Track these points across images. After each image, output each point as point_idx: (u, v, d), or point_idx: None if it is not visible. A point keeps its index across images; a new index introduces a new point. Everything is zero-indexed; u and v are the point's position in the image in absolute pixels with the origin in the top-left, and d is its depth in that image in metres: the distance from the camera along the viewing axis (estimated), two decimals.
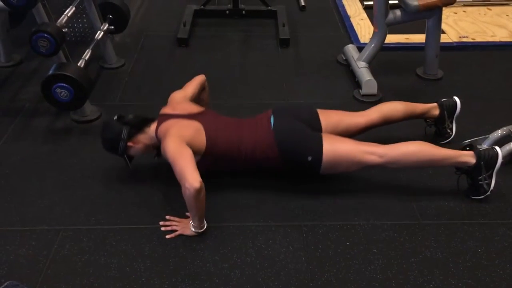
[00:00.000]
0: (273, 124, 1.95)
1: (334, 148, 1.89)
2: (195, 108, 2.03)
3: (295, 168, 1.97)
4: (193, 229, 1.80)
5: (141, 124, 1.98)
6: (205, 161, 1.89)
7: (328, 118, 2.03)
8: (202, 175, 1.71)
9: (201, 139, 1.89)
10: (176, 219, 1.88)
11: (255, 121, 2.01)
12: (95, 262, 1.72)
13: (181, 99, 2.08)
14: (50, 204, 1.97)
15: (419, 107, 2.21)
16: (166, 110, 2.03)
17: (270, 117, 1.98)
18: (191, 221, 1.80)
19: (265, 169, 2.01)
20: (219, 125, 1.97)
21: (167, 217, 1.89)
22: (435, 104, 2.23)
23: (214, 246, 1.78)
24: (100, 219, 1.90)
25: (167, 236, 1.82)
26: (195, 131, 1.89)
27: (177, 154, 1.77)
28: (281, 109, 2.06)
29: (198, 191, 1.66)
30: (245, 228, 1.86)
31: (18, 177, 2.12)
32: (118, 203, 1.98)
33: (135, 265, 1.71)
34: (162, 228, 1.85)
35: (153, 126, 1.97)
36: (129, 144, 1.95)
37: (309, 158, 1.89)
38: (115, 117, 1.99)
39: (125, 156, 1.98)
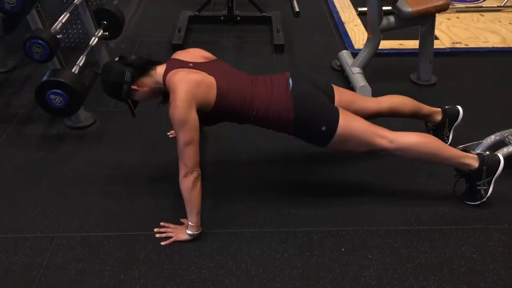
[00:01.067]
0: (292, 87, 1.86)
1: (349, 123, 1.84)
2: (208, 56, 1.95)
3: (305, 134, 1.90)
4: (189, 231, 1.79)
5: (146, 66, 1.84)
6: (213, 112, 1.82)
7: (342, 95, 2.00)
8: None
9: (212, 94, 1.78)
10: (171, 225, 1.87)
11: (270, 79, 1.91)
12: (89, 270, 1.71)
13: (196, 50, 1.98)
14: (44, 211, 1.96)
15: (425, 108, 2.21)
16: (178, 55, 1.92)
17: (289, 78, 1.90)
18: (188, 221, 1.80)
19: (273, 129, 1.92)
20: (232, 78, 1.86)
21: (162, 223, 1.88)
22: (439, 109, 2.23)
23: (209, 252, 1.78)
24: (94, 226, 1.89)
25: (162, 243, 1.81)
26: (206, 87, 1.77)
27: (183, 132, 1.69)
28: (300, 74, 1.99)
29: (195, 179, 1.70)
30: (240, 234, 1.86)
31: (12, 184, 2.11)
32: (112, 210, 1.97)
33: (129, 273, 1.70)
34: (157, 235, 1.84)
35: (160, 69, 1.84)
36: (133, 87, 1.82)
37: (323, 128, 1.83)
38: (117, 58, 1.86)
39: (128, 101, 1.86)
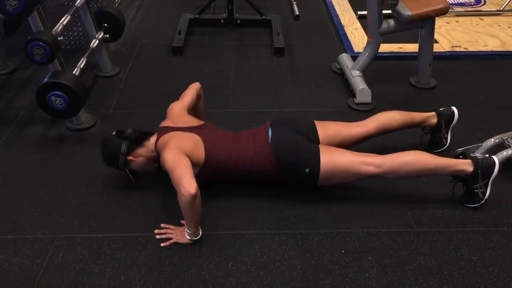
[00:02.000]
0: (271, 137, 1.96)
1: (332, 159, 1.90)
2: (194, 122, 2.05)
3: (292, 179, 1.98)
4: (188, 237, 1.80)
5: (140, 138, 1.99)
6: (203, 172, 1.90)
7: (326, 129, 2.05)
8: (199, 184, 1.71)
9: (200, 152, 1.90)
10: (171, 227, 1.87)
11: (252, 133, 2.02)
12: (90, 271, 1.71)
13: (180, 111, 2.08)
14: (44, 212, 1.96)
15: (417, 116, 2.22)
16: (166, 123, 2.04)
17: (268, 129, 2.00)
18: (186, 229, 1.80)
19: (262, 181, 2.01)
20: (218, 138, 1.98)
21: (162, 225, 1.89)
22: (433, 113, 2.24)
23: (209, 254, 1.78)
24: (94, 228, 1.89)
25: (162, 244, 1.81)
26: (194, 143, 1.90)
27: (175, 162, 1.77)
28: (279, 121, 2.07)
29: (194, 197, 1.67)
30: (240, 236, 1.86)
31: (12, 185, 2.11)
32: (112, 211, 1.97)
33: (129, 274, 1.70)
34: (157, 236, 1.84)
35: (153, 139, 1.98)
36: (129, 158, 1.96)
37: (307, 170, 1.90)
38: (114, 133, 2.00)
39: (126, 170, 1.99)
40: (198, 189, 1.69)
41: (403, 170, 1.93)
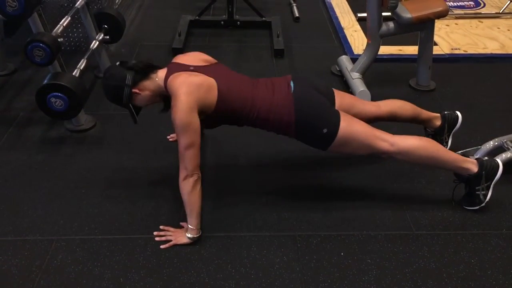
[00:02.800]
0: (294, 89, 1.87)
1: (350, 126, 1.86)
2: (208, 60, 1.95)
3: (306, 136, 1.90)
4: (188, 235, 1.80)
5: (146, 70, 1.85)
6: (214, 115, 1.82)
7: (343, 99, 2.01)
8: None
9: (213, 96, 1.78)
10: (171, 229, 1.87)
11: (271, 82, 1.92)
12: (89, 273, 1.71)
13: (199, 55, 1.98)
14: (44, 214, 1.96)
15: (424, 113, 2.22)
16: (179, 59, 1.92)
17: (290, 82, 1.90)
18: (187, 224, 1.80)
19: (274, 131, 1.93)
20: (233, 80, 1.87)
21: (161, 227, 1.89)
22: (438, 115, 2.24)
23: (208, 256, 1.78)
24: (93, 229, 1.89)
25: (162, 246, 1.81)
26: (207, 89, 1.77)
27: (185, 135, 1.70)
28: (301, 78, 1.99)
29: (195, 182, 1.71)
30: (239, 238, 1.86)
31: (12, 186, 2.11)
32: (112, 213, 1.97)
33: (129, 276, 1.70)
34: (157, 238, 1.84)
35: (161, 73, 1.85)
36: (134, 90, 1.81)
37: (325, 130, 1.83)
38: (118, 63, 1.86)
39: (130, 106, 1.85)
40: (200, 176, 1.73)
41: (414, 153, 1.89)
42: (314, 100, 1.87)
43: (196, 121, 1.73)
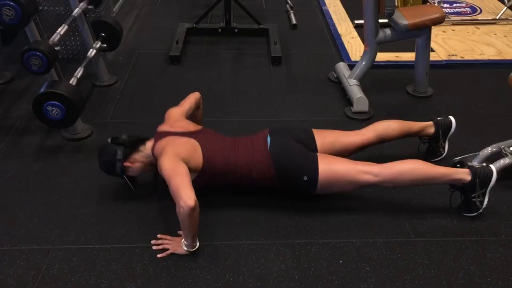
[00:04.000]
0: (270, 144, 1.96)
1: (330, 167, 1.90)
2: (192, 126, 2.04)
3: (291, 187, 1.98)
4: (185, 248, 1.79)
5: (135, 143, 1.98)
6: (201, 178, 1.90)
7: (324, 138, 2.05)
8: (196, 192, 1.70)
9: (198, 157, 1.89)
10: (168, 237, 1.86)
11: (251, 140, 2.01)
12: (85, 282, 1.69)
13: (178, 116, 2.08)
14: (40, 223, 1.95)
15: (415, 126, 2.22)
16: (163, 127, 2.03)
17: (267, 136, 1.99)
18: (183, 240, 1.79)
19: (261, 188, 2.01)
20: (216, 143, 1.98)
21: (159, 235, 1.88)
22: (430, 123, 2.24)
23: (206, 265, 1.77)
24: (90, 238, 1.88)
25: (159, 255, 1.80)
26: (192, 148, 1.90)
27: (172, 171, 1.76)
28: (277, 129, 2.07)
29: (192, 209, 1.65)
30: (237, 246, 1.85)
31: (8, 195, 2.09)
32: (108, 222, 1.96)
33: (126, 285, 1.69)
34: (154, 247, 1.83)
35: (149, 144, 1.98)
36: (126, 164, 1.95)
37: (305, 178, 1.89)
38: (109, 140, 1.99)
39: (124, 177, 1.99)
40: (197, 201, 1.67)
41: (401, 179, 1.93)
42: (290, 151, 1.95)
43: (183, 166, 1.79)
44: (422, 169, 1.93)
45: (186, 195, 1.66)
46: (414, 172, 1.92)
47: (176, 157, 1.82)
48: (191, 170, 1.82)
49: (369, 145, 2.13)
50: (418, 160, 1.97)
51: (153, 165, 1.98)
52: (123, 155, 1.94)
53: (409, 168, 1.93)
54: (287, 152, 1.94)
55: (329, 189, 1.96)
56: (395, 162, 1.95)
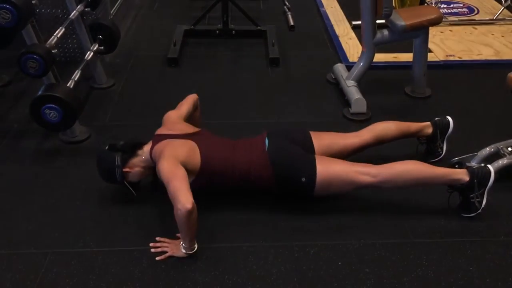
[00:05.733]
0: (268, 146, 1.95)
1: (328, 169, 1.90)
2: (190, 128, 2.04)
3: (289, 189, 1.97)
4: (183, 250, 1.78)
5: (133, 148, 1.97)
6: (199, 180, 1.89)
7: (321, 140, 2.05)
8: (194, 195, 1.69)
9: (196, 158, 1.88)
10: (167, 240, 1.86)
11: (249, 142, 2.01)
12: (84, 286, 1.69)
13: (176, 119, 2.08)
14: (38, 226, 1.94)
15: (412, 126, 2.22)
16: (161, 130, 2.03)
17: (265, 139, 2.00)
18: (182, 242, 1.78)
19: (258, 190, 2.00)
20: (214, 145, 1.98)
21: (157, 238, 1.87)
22: (428, 123, 2.25)
23: (205, 267, 1.76)
24: (88, 242, 1.87)
25: (157, 258, 1.79)
26: (190, 150, 1.89)
27: (170, 174, 1.75)
28: (275, 131, 2.07)
29: (190, 212, 1.64)
30: (236, 248, 1.85)
31: (5, 198, 2.09)
32: (107, 225, 1.95)
33: None
34: (152, 250, 1.83)
35: (147, 147, 1.97)
36: (125, 170, 1.94)
37: (303, 179, 1.89)
38: (106, 147, 1.98)
39: (125, 183, 1.97)
40: (195, 204, 1.66)
41: (399, 180, 1.93)
42: (288, 153, 1.95)
43: (181, 169, 1.78)
44: (420, 170, 1.93)
45: (184, 198, 1.65)
46: (412, 173, 1.92)
47: (175, 160, 1.81)
48: (189, 172, 1.82)
49: (367, 146, 2.12)
50: (416, 161, 1.97)
51: (152, 168, 1.97)
52: (121, 161, 1.93)
53: (407, 169, 1.93)
54: (285, 154, 1.94)
55: (327, 190, 1.95)
56: (393, 163, 1.95)
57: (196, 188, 1.75)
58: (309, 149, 2.01)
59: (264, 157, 1.93)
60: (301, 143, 2.00)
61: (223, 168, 1.92)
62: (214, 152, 1.94)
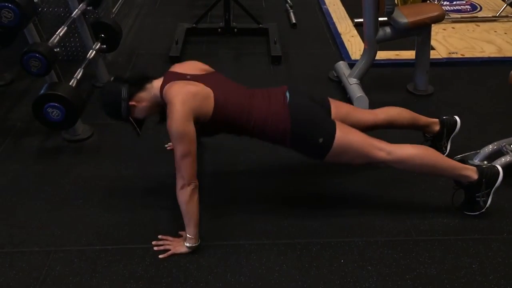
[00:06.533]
0: (289, 99, 1.87)
1: (346, 135, 1.85)
2: (205, 69, 1.96)
3: (302, 146, 1.90)
4: (187, 244, 1.78)
5: (141, 81, 1.85)
6: (211, 123, 1.82)
7: (339, 108, 2.00)
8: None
9: (209, 105, 1.78)
10: (169, 238, 1.86)
11: (268, 93, 1.91)
12: (87, 284, 1.69)
13: (195, 63, 1.98)
14: (41, 225, 1.95)
15: (422, 119, 2.22)
16: (176, 68, 1.92)
17: (286, 92, 1.90)
18: (186, 233, 1.79)
19: (269, 141, 1.92)
20: (230, 90, 1.87)
21: (160, 236, 1.87)
22: (436, 120, 2.24)
23: (208, 265, 1.77)
24: (91, 240, 1.88)
25: (160, 256, 1.80)
26: (203, 98, 1.77)
27: (181, 144, 1.69)
28: (296, 88, 1.98)
29: (192, 191, 1.69)
30: (238, 247, 1.85)
31: (8, 197, 2.10)
32: (109, 223, 1.96)
33: (127, 286, 1.68)
34: (155, 248, 1.83)
35: (157, 83, 1.85)
36: (131, 103, 1.81)
37: (321, 140, 1.83)
38: (112, 78, 1.87)
39: (130, 119, 1.85)
40: (197, 184, 1.71)
41: (411, 162, 1.89)
42: (309, 110, 1.87)
43: (192, 130, 1.72)
44: (433, 156, 1.91)
45: (188, 176, 1.69)
46: (425, 157, 1.89)
47: (187, 117, 1.70)
48: (200, 117, 1.76)
49: (379, 126, 2.09)
50: (430, 148, 1.97)
51: (160, 106, 1.86)
52: (128, 93, 1.79)
53: (421, 153, 1.90)
54: (307, 110, 1.86)
55: (340, 158, 1.88)
56: (409, 144, 1.92)
57: (208, 130, 1.74)
58: (327, 113, 1.96)
59: (284, 110, 1.83)
60: (321, 105, 1.94)
61: (237, 116, 1.83)
62: (229, 98, 1.83)
